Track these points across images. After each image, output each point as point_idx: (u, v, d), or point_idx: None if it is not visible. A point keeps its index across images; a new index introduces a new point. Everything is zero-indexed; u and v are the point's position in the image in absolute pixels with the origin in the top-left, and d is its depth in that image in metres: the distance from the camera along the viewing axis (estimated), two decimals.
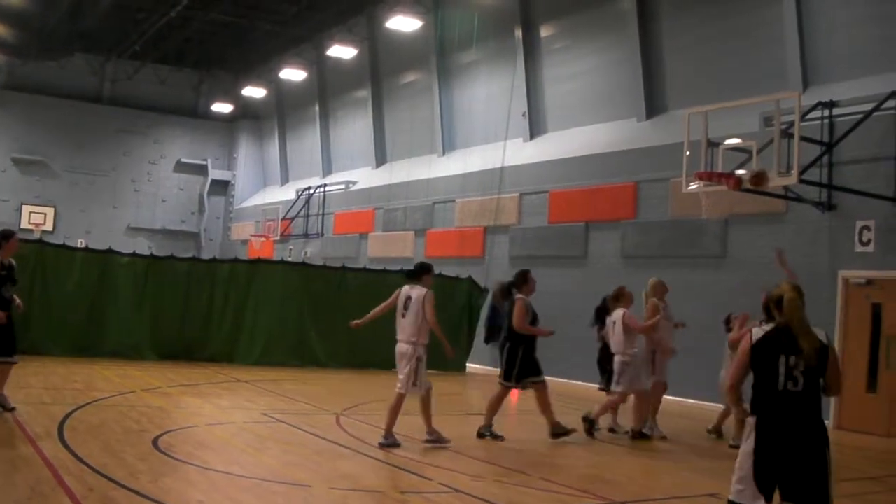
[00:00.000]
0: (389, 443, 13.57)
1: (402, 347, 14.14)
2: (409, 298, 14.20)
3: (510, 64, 31.97)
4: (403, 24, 33.91)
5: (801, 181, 18.29)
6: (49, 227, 48.04)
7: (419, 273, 14.51)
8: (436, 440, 14.02)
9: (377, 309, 14.70)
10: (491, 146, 32.25)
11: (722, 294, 22.16)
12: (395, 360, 14.27)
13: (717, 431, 17.35)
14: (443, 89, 36.07)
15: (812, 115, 20.00)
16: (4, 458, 10.74)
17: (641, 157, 25.88)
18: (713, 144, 19.29)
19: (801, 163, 17.93)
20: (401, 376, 14.04)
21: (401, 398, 13.94)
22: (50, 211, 48.85)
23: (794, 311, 7.80)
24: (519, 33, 31.60)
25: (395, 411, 13.83)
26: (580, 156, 28.14)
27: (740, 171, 18.71)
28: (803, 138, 18.28)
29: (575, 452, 14.86)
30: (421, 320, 13.99)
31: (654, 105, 26.92)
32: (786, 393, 7.45)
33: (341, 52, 38.50)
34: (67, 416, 14.11)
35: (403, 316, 14.14)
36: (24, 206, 48.31)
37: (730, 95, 22.37)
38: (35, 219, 48.18)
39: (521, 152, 30.80)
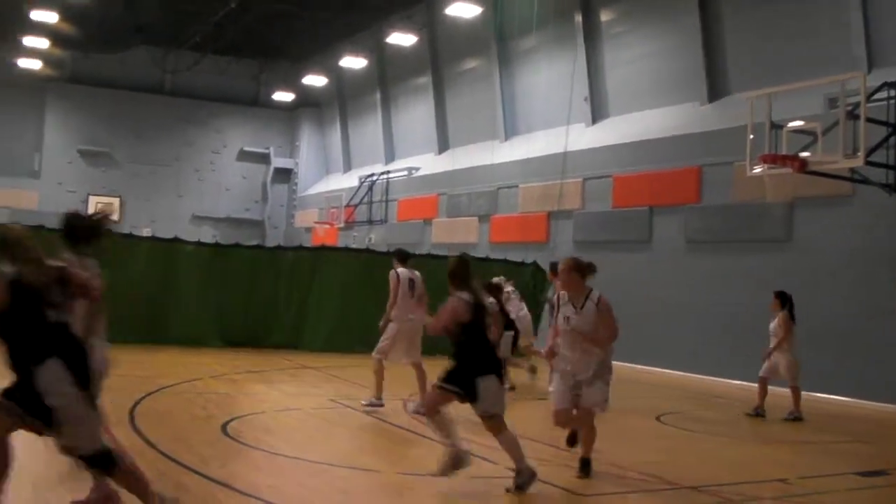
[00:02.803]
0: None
1: (418, 324, 15.34)
2: (412, 280, 15.79)
3: (570, 49, 31.86)
4: (463, 10, 33.75)
5: (867, 163, 18.14)
6: (115, 216, 48.34)
7: (409, 257, 16.48)
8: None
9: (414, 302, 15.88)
10: (553, 131, 32.19)
11: (786, 278, 21.94)
12: (406, 337, 15.64)
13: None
14: (503, 75, 36.01)
15: (878, 96, 19.77)
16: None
17: (704, 140, 25.70)
18: (776, 127, 19.16)
19: (867, 144, 17.79)
20: (416, 350, 15.74)
21: (380, 364, 15.59)
22: (115, 201, 49.28)
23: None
24: (579, 18, 31.50)
25: (379, 377, 15.59)
26: (642, 140, 28.01)
27: (805, 154, 18.59)
28: (869, 119, 18.14)
29: (644, 437, 14.83)
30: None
31: (715, 88, 26.73)
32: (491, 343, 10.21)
33: (401, 39, 38.49)
34: (137, 402, 14.23)
35: (412, 296, 15.64)
36: (90, 197, 48.79)
37: (793, 77, 22.20)
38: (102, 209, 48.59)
39: (584, 137, 30.69)
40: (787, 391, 17.50)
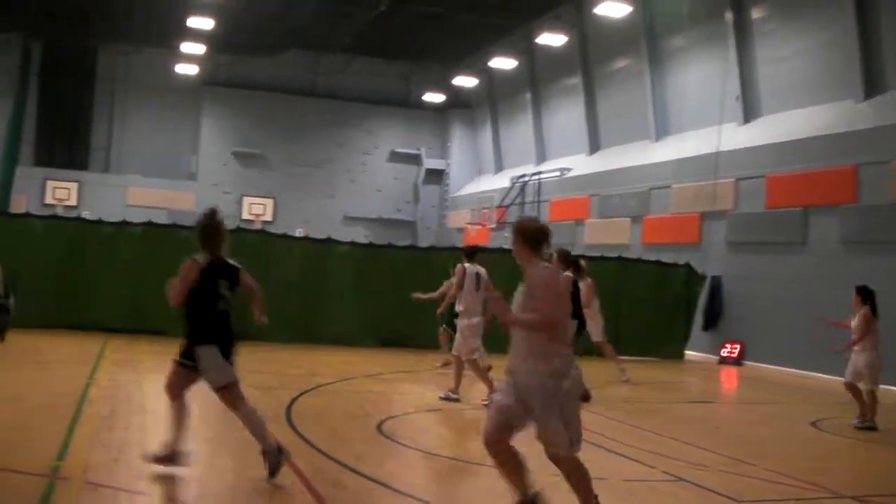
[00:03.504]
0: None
1: (478, 320, 16.16)
2: (478, 276, 16.21)
3: (721, 47, 31.41)
4: (612, 9, 33.47)
5: None
6: (269, 217, 49.30)
7: (477, 253, 17.07)
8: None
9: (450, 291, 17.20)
10: (704, 131, 31.76)
11: None
12: (467, 333, 16.18)
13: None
14: (654, 74, 35.64)
15: None
16: (239, 438, 11.05)
17: (861, 139, 25.14)
18: None
19: None
20: (479, 344, 16.31)
21: (475, 363, 16.19)
22: (269, 202, 50.09)
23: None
24: (729, 15, 30.99)
25: (483, 373, 16.18)
26: (796, 139, 27.47)
27: None
28: None
29: (800, 443, 14.59)
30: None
31: (872, 84, 26.04)
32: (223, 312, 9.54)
33: (551, 39, 38.32)
34: (293, 400, 14.45)
35: (477, 290, 16.11)
36: (244, 198, 49.68)
37: None
38: (255, 209, 49.52)
39: (736, 136, 30.23)
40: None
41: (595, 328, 21.07)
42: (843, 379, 16.24)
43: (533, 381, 7.68)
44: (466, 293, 15.99)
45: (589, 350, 22.46)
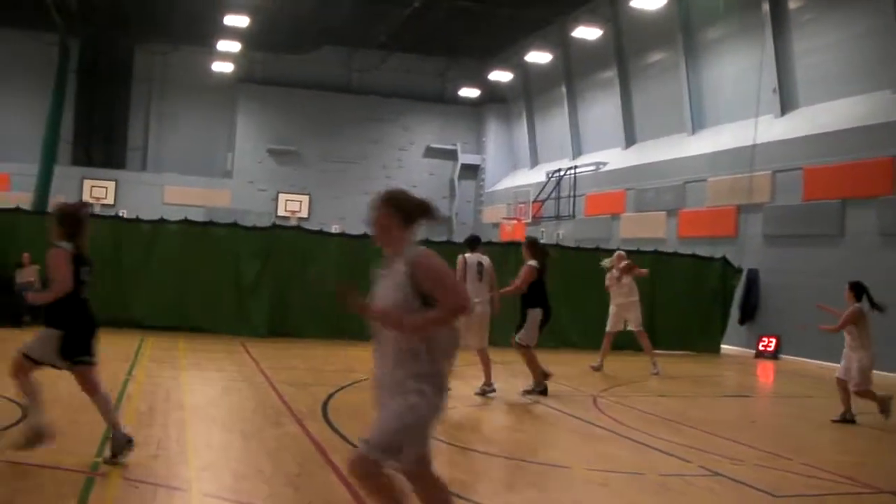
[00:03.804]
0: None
1: (482, 308, 16.05)
2: (480, 264, 16.42)
3: (758, 38, 31.26)
4: (647, 2, 33.33)
5: None
6: (304, 214, 49.46)
7: (479, 243, 17.06)
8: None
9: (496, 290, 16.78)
10: (741, 123, 31.62)
11: None
12: (475, 323, 15.95)
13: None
14: (690, 67, 35.51)
15: None
16: (273, 435, 11.14)
17: None
18: None
19: None
20: (483, 334, 16.39)
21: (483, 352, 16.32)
22: (305, 199, 50.23)
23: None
24: (766, 6, 30.81)
25: (487, 364, 16.41)
26: (834, 130, 27.31)
27: None
28: None
29: (838, 437, 14.53)
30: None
31: None
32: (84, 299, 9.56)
33: (586, 33, 38.16)
34: (330, 396, 14.51)
35: (480, 280, 16.26)
36: (280, 195, 49.86)
37: None
38: (291, 206, 49.67)
39: (773, 129, 30.09)
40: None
41: (635, 318, 21.16)
42: (879, 372, 16.05)
43: (394, 386, 6.29)
44: (468, 284, 15.90)
45: (627, 343, 22.60)
